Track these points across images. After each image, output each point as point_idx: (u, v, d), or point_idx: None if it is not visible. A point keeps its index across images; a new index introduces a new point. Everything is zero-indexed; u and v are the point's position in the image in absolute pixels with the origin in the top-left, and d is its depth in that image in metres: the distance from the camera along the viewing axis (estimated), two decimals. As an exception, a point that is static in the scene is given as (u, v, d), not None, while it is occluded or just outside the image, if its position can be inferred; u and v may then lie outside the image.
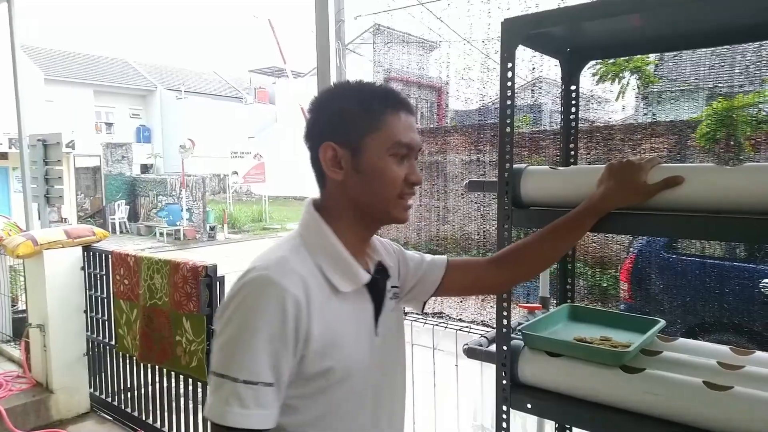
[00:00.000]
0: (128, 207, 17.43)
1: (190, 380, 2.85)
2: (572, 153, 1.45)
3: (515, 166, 1.17)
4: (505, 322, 1.16)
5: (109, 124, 23.16)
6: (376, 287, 0.98)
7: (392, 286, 1.04)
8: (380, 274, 1.01)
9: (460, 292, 1.16)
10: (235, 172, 20.56)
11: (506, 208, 1.19)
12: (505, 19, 1.10)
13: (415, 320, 2.32)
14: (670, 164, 1.01)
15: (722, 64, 5.88)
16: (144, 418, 3.21)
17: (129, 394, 3.31)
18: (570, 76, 1.39)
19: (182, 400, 2.96)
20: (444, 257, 1.14)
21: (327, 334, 0.87)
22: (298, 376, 0.86)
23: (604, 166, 1.07)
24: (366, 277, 0.95)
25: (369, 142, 0.91)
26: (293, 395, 0.87)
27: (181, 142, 17.18)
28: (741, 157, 5.60)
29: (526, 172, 1.17)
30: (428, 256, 1.14)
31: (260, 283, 0.83)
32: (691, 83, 7.20)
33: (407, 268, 1.11)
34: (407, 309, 1.55)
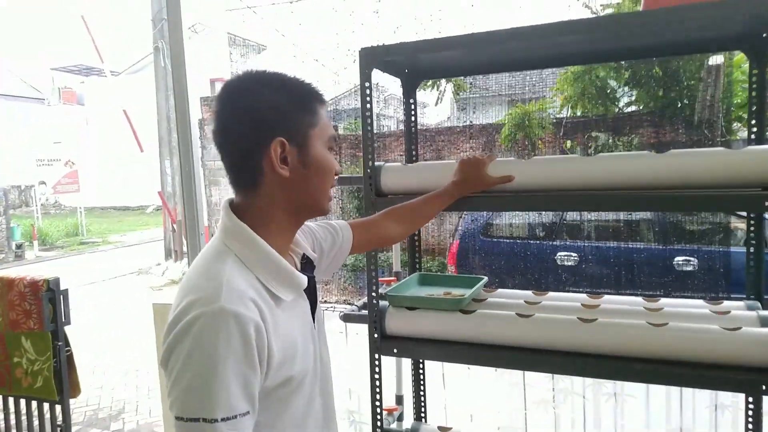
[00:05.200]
0: None
1: (33, 403, 2.69)
2: (414, 152, 1.80)
3: (376, 163, 1.46)
4: (374, 288, 1.45)
5: None
6: (310, 283, 0.99)
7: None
8: (308, 267, 1.03)
9: (361, 250, 1.25)
10: (43, 182, 18.19)
11: (371, 197, 1.46)
12: (362, 48, 1.40)
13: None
14: (503, 159, 1.39)
15: (518, 78, 7.10)
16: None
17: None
18: (409, 92, 1.74)
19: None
20: (345, 223, 1.20)
21: (283, 346, 0.87)
22: (260, 392, 0.85)
23: (443, 162, 1.43)
24: (305, 281, 0.95)
25: (312, 136, 0.93)
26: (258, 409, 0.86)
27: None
28: (534, 153, 6.73)
29: (384, 168, 1.47)
30: (334, 226, 1.19)
31: (217, 316, 0.79)
32: (494, 91, 8.38)
33: (321, 248, 1.14)
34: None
